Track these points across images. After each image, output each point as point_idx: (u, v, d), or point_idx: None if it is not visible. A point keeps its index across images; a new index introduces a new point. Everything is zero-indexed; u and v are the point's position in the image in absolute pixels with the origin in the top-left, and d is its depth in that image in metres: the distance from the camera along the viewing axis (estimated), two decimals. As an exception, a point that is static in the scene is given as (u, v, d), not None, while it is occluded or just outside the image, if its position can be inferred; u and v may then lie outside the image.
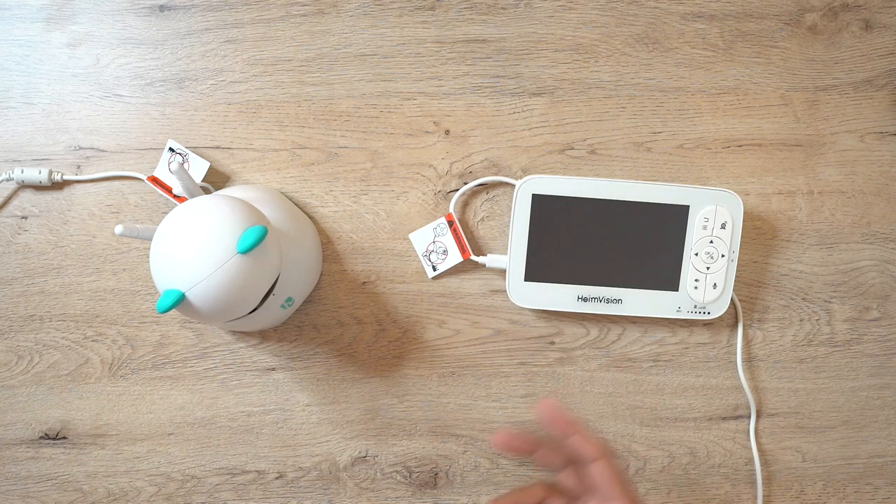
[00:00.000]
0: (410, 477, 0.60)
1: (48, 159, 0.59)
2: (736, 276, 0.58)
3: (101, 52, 0.58)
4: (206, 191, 0.58)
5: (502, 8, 0.58)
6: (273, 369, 0.60)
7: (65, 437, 0.60)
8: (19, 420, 0.60)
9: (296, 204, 0.59)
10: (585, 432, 0.44)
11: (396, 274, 0.59)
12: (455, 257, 0.58)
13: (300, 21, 0.58)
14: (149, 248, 0.54)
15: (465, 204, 0.59)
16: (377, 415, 0.60)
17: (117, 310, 0.59)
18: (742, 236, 0.58)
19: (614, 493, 0.42)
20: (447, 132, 0.58)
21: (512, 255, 0.56)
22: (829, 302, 0.59)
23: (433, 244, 0.58)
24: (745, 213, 0.58)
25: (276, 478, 0.60)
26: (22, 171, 0.57)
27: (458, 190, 0.58)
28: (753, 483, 0.60)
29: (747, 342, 0.60)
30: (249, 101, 0.58)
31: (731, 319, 0.59)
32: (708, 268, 0.56)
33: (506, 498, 0.43)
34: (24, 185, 0.59)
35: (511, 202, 0.57)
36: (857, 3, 0.58)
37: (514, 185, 0.57)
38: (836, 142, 0.59)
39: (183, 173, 0.50)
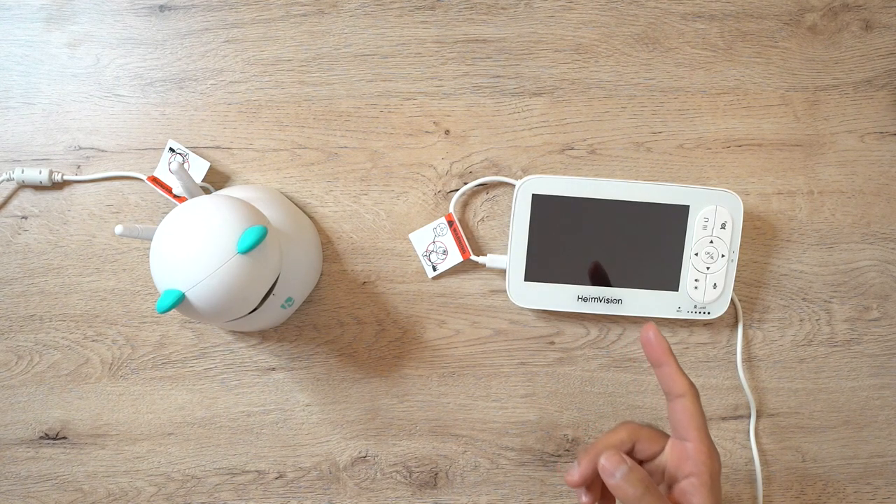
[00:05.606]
0: (410, 477, 0.60)
1: (48, 159, 0.59)
2: (736, 276, 0.58)
3: (101, 52, 0.58)
4: (206, 191, 0.58)
5: (502, 8, 0.58)
6: (273, 369, 0.60)
7: (65, 437, 0.60)
8: (19, 420, 0.60)
9: (296, 204, 0.59)
10: (676, 366, 0.43)
11: (396, 274, 0.59)
12: (455, 257, 0.58)
13: (300, 21, 0.58)
14: (149, 248, 0.54)
15: (465, 204, 0.59)
16: (377, 415, 0.60)
17: (117, 310, 0.59)
18: (742, 236, 0.58)
19: (689, 433, 0.41)
20: (447, 132, 0.58)
21: (512, 255, 0.56)
22: (829, 302, 0.59)
23: (433, 244, 0.58)
24: (745, 213, 0.58)
25: (276, 478, 0.60)
26: (22, 171, 0.58)
27: (458, 190, 0.58)
28: (753, 483, 0.60)
29: (747, 342, 0.60)
30: (249, 101, 0.58)
31: (731, 319, 0.59)
32: (708, 268, 0.56)
33: (595, 447, 0.42)
34: (24, 185, 0.59)
35: (511, 202, 0.57)
36: (857, 3, 0.58)
37: (514, 185, 0.57)
38: (836, 142, 0.59)
39: (183, 173, 0.50)
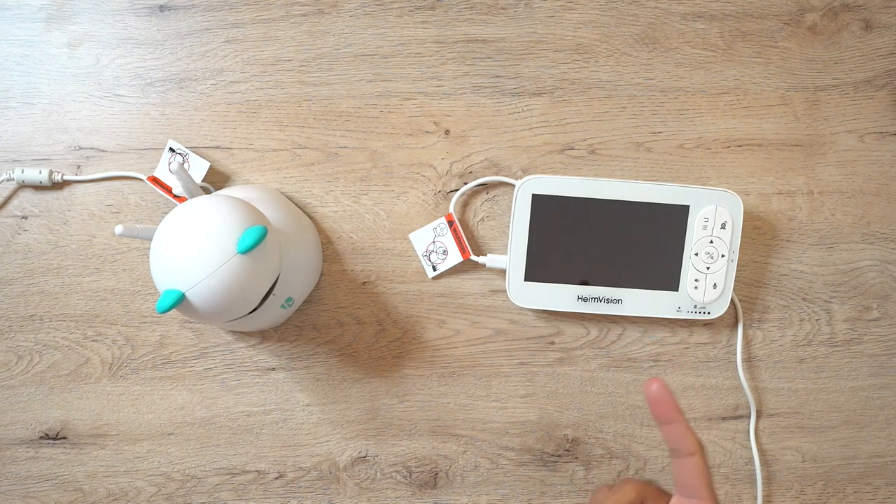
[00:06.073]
0: (410, 477, 0.60)
1: (48, 159, 0.59)
2: (736, 276, 0.58)
3: (101, 52, 0.58)
4: (206, 191, 0.58)
5: (502, 8, 0.58)
6: (273, 369, 0.60)
7: (65, 437, 0.60)
8: (19, 420, 0.60)
9: (296, 204, 0.59)
10: (686, 424, 0.41)
11: (396, 274, 0.59)
12: (455, 257, 0.58)
13: (300, 21, 0.58)
14: (149, 248, 0.54)
15: (465, 204, 0.59)
16: (377, 415, 0.60)
17: (117, 310, 0.59)
18: (742, 236, 0.58)
19: (700, 491, 0.40)
20: (447, 132, 0.58)
21: (512, 255, 0.56)
22: (829, 302, 0.59)
23: (433, 244, 0.58)
24: (745, 213, 0.58)
25: (276, 478, 0.60)
26: (22, 171, 0.58)
27: (458, 190, 0.58)
28: (753, 483, 0.60)
29: (747, 342, 0.60)
30: (249, 101, 0.58)
31: (731, 319, 0.59)
32: (708, 268, 0.56)
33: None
34: (24, 185, 0.59)
35: (511, 202, 0.57)
36: (857, 3, 0.58)
37: (514, 185, 0.57)
38: (836, 142, 0.59)
39: (183, 173, 0.50)
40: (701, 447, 0.41)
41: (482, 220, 0.59)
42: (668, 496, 0.42)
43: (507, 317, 0.59)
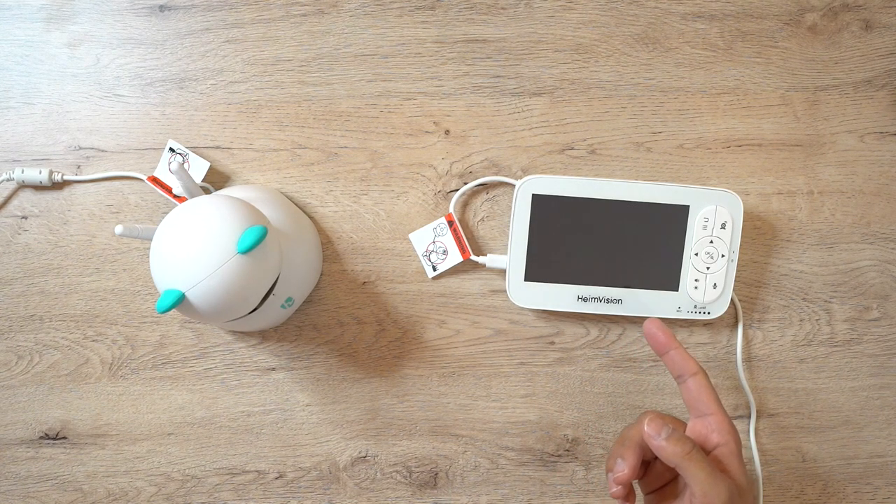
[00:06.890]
0: (410, 477, 0.60)
1: (48, 159, 0.59)
2: (736, 276, 0.58)
3: (101, 52, 0.58)
4: (206, 191, 0.58)
5: (502, 8, 0.58)
6: (273, 369, 0.60)
7: (65, 437, 0.60)
8: (19, 420, 0.60)
9: (296, 204, 0.59)
10: (683, 349, 0.46)
11: (396, 274, 0.59)
12: (455, 257, 0.58)
13: (300, 21, 0.58)
14: (149, 248, 0.54)
15: (465, 204, 0.59)
16: (377, 415, 0.60)
17: (117, 310, 0.59)
18: (742, 236, 0.58)
19: (710, 406, 0.44)
20: (447, 132, 0.58)
21: (512, 255, 0.56)
22: (829, 302, 0.59)
23: (433, 244, 0.58)
24: (745, 213, 0.58)
25: (276, 478, 0.60)
26: (22, 171, 0.58)
27: (458, 190, 0.58)
28: (753, 483, 0.60)
29: (747, 342, 0.60)
30: (249, 101, 0.58)
31: (731, 319, 0.59)
32: (708, 268, 0.56)
33: (630, 440, 0.44)
34: (24, 185, 0.59)
35: (511, 202, 0.57)
36: (857, 3, 0.58)
37: (514, 185, 0.57)
38: (836, 142, 0.59)
39: (183, 173, 0.50)
40: (702, 368, 0.45)
41: (482, 220, 0.59)
42: (685, 424, 0.46)
43: (507, 317, 0.59)
